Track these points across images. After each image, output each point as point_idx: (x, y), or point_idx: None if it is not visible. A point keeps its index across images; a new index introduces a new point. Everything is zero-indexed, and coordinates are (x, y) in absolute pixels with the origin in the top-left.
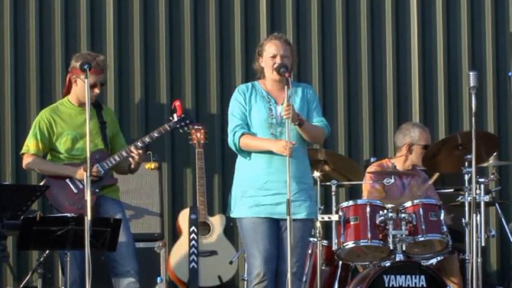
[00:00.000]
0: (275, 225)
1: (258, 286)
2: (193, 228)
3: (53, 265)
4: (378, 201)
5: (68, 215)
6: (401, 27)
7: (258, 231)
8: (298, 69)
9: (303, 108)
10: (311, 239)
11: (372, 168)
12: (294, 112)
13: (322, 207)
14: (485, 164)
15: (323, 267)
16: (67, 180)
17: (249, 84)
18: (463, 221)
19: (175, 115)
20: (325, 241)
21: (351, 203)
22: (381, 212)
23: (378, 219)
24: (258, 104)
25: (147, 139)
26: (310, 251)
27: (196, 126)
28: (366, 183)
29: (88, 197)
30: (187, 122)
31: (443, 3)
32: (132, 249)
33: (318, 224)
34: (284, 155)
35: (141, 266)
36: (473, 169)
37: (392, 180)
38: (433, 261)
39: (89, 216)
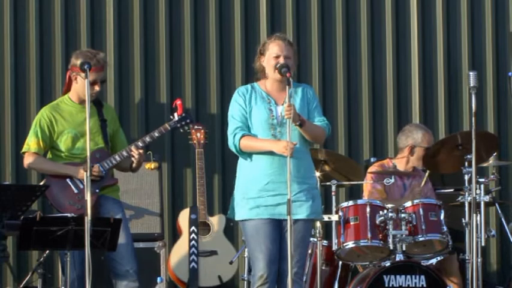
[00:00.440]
0: (277, 226)
1: None
2: (193, 228)
3: (53, 265)
4: (378, 201)
5: (68, 215)
6: (401, 27)
7: (261, 232)
8: (298, 69)
9: (303, 108)
10: (311, 239)
11: (373, 168)
12: (295, 112)
13: (322, 207)
14: (485, 164)
15: (323, 267)
16: (67, 180)
17: (249, 86)
18: (463, 221)
19: (175, 114)
20: (325, 241)
21: (350, 203)
22: (380, 212)
23: (378, 219)
24: (258, 105)
25: (147, 139)
26: (310, 251)
27: (196, 126)
28: (367, 184)
29: (88, 197)
30: (188, 121)
31: (443, 3)
32: (131, 249)
33: (318, 224)
34: (285, 156)
35: (141, 266)
36: (473, 169)
37: (392, 180)
38: (433, 261)
39: (89, 216)
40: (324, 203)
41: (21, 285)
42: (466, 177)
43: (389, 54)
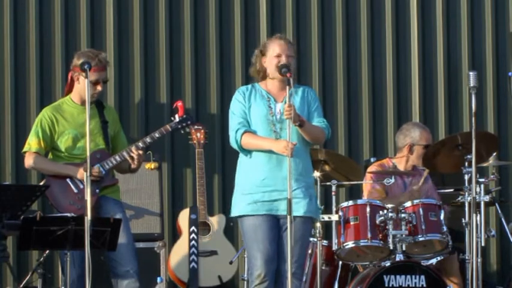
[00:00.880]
0: (276, 225)
1: (258, 287)
2: (193, 228)
3: (53, 265)
4: (378, 201)
5: (68, 215)
6: (401, 27)
7: (259, 231)
8: (298, 69)
9: (303, 109)
10: (311, 239)
11: (372, 168)
12: (295, 112)
13: (322, 207)
14: (485, 164)
15: (323, 267)
16: (67, 180)
17: (249, 85)
18: (463, 221)
19: (176, 115)
20: (325, 241)
21: (350, 203)
22: (380, 212)
23: (378, 219)
24: (258, 101)
25: (148, 139)
26: (310, 251)
27: (196, 126)
28: (367, 184)
29: (88, 197)
30: (189, 122)
31: (443, 3)
32: (131, 249)
33: (318, 224)
34: (285, 155)
35: (141, 266)
36: (473, 169)
37: (392, 180)
38: (433, 261)
39: (89, 216)
40: (324, 203)
41: (21, 285)
42: (466, 177)
43: (389, 54)
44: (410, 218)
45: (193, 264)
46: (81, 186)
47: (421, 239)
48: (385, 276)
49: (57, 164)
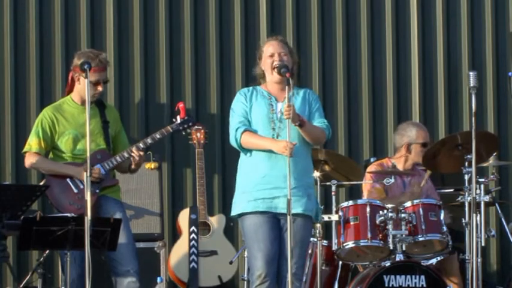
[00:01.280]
0: (277, 226)
1: (259, 287)
2: (193, 228)
3: (53, 265)
4: (378, 201)
5: (68, 215)
6: (401, 27)
7: (260, 231)
8: (298, 69)
9: (303, 109)
10: (311, 239)
11: (372, 167)
12: (294, 112)
13: (322, 207)
14: (485, 164)
15: (323, 267)
16: (68, 180)
17: (251, 87)
18: (463, 221)
19: (178, 117)
20: (325, 241)
21: (350, 203)
22: (380, 212)
23: (378, 219)
24: (259, 101)
25: (149, 140)
26: (310, 251)
27: (196, 126)
28: (366, 184)
29: (88, 196)
30: (190, 124)
31: (443, 3)
32: (131, 249)
33: (318, 224)
34: (285, 155)
35: (141, 266)
36: (473, 169)
37: (392, 180)
38: (433, 261)
39: (89, 216)
40: (324, 203)
41: (21, 285)
42: (466, 177)
43: (389, 54)
44: (410, 218)
45: (193, 264)
46: (81, 186)
47: (421, 239)
48: (385, 276)
49: (58, 164)
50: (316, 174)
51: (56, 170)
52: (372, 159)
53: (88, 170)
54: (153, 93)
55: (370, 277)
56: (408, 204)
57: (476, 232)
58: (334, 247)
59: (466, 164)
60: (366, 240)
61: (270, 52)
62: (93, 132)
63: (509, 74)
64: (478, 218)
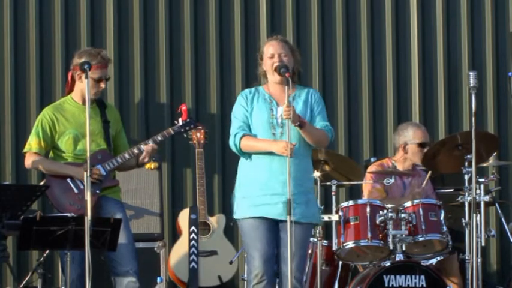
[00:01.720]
0: (274, 227)
1: (256, 286)
2: (193, 228)
3: (53, 265)
4: (378, 201)
5: (68, 215)
6: (401, 27)
7: (256, 232)
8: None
9: (305, 111)
10: (311, 239)
11: (372, 167)
12: (294, 113)
13: (322, 208)
14: (485, 164)
15: (323, 267)
16: (68, 180)
17: (253, 88)
18: (463, 221)
19: (180, 119)
20: (325, 241)
21: (350, 203)
22: (380, 212)
23: (378, 219)
24: (260, 105)
25: (150, 142)
26: (310, 251)
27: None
28: (367, 184)
29: (88, 196)
30: (192, 126)
31: (443, 3)
32: (131, 250)
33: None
34: (284, 156)
35: (141, 266)
36: (473, 169)
37: (392, 180)
38: (433, 261)
39: (89, 216)
40: (324, 203)
41: (21, 285)
42: (466, 177)
43: (389, 54)
44: (410, 218)
45: (193, 264)
46: (82, 187)
47: (421, 239)
48: (385, 276)
49: (58, 164)
50: (316, 174)
51: (56, 170)
52: (372, 159)
53: (88, 170)
54: (153, 93)
55: (370, 277)
56: (408, 204)
57: (476, 232)
58: (334, 247)
59: (466, 164)
60: (366, 240)
61: (270, 53)
62: (93, 132)
63: (509, 74)
64: (478, 218)
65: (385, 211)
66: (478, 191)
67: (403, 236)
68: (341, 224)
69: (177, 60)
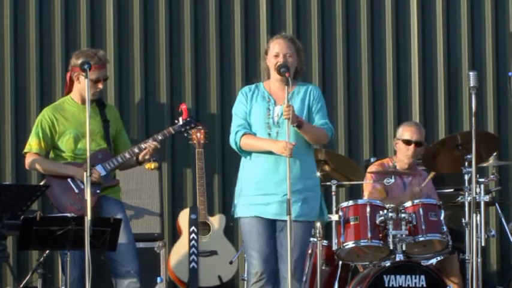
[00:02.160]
0: (271, 226)
1: (255, 285)
2: (193, 228)
3: (53, 265)
4: (378, 201)
5: (68, 215)
6: (401, 27)
7: (254, 231)
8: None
9: (302, 109)
10: (311, 239)
11: (373, 167)
12: (293, 113)
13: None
14: (485, 164)
15: (323, 267)
16: (68, 180)
17: (253, 85)
18: (463, 221)
19: (180, 118)
20: (325, 241)
21: (351, 203)
22: (380, 212)
23: (378, 219)
24: (258, 103)
25: (151, 141)
26: (310, 251)
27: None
28: (367, 184)
29: (88, 196)
30: (192, 125)
31: (443, 3)
32: (132, 249)
33: (318, 224)
34: (283, 156)
35: (141, 266)
36: (473, 169)
37: (392, 180)
38: (433, 261)
39: (89, 216)
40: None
41: (21, 285)
42: (466, 177)
43: (389, 54)
44: (410, 218)
45: (193, 264)
46: (82, 187)
47: (421, 239)
48: (385, 276)
49: (58, 164)
50: (317, 174)
51: (57, 170)
52: (372, 159)
53: (88, 170)
54: (153, 93)
55: (370, 277)
56: (408, 204)
57: (476, 232)
58: (334, 247)
59: (466, 164)
60: (366, 240)
61: (275, 51)
62: (93, 131)
63: (509, 74)
64: (478, 218)
65: (385, 211)
66: (478, 191)
67: (403, 236)
68: (341, 224)
69: (177, 60)
